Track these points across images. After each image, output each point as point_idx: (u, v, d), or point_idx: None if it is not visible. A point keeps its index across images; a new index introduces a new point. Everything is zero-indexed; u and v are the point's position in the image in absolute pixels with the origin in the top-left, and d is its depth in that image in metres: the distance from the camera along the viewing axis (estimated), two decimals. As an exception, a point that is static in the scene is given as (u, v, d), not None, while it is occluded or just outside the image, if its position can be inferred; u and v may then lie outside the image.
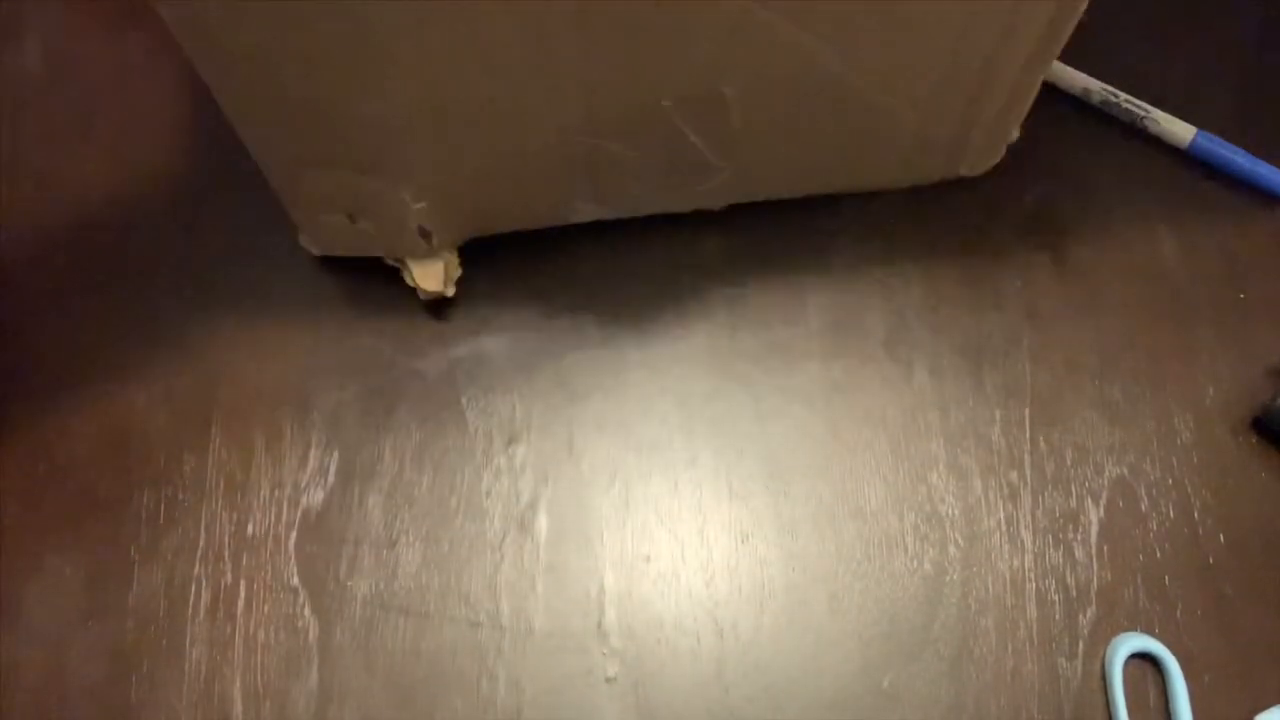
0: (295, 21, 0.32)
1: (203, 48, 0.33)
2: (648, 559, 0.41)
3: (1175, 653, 0.39)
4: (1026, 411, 0.43)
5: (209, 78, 0.35)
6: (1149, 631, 0.39)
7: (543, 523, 0.41)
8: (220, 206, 0.47)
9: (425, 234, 0.41)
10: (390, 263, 0.44)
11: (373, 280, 0.44)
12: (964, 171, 0.45)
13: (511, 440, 0.43)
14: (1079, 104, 0.48)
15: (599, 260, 0.45)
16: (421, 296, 0.43)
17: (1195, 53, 0.49)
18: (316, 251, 0.44)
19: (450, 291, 0.43)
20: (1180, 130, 0.46)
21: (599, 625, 0.40)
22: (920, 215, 0.46)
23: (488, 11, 0.32)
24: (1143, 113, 0.47)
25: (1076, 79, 0.48)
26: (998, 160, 0.45)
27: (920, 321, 0.44)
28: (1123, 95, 0.47)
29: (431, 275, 0.42)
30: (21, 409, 0.43)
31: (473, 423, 0.43)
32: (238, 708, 0.39)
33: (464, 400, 0.43)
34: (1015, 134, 0.44)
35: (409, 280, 0.43)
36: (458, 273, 0.43)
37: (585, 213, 0.44)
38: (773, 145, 0.41)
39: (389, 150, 0.38)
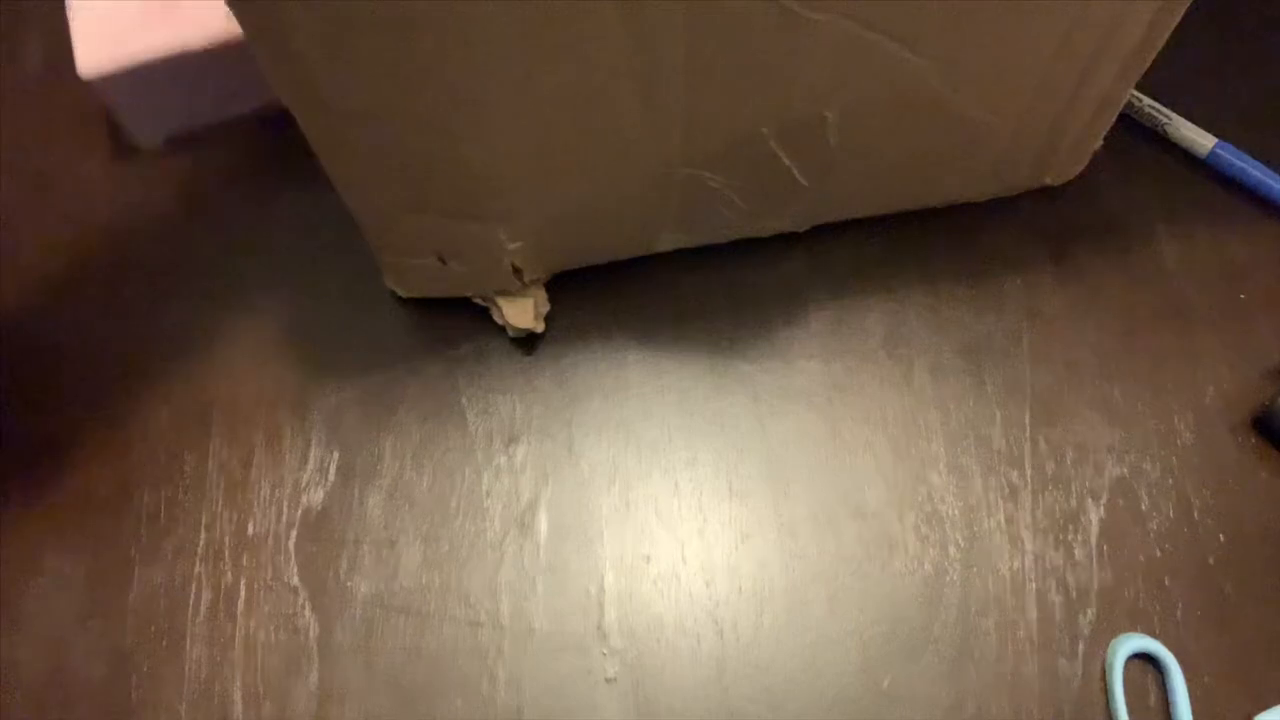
0: (407, 83, 0.32)
1: (309, 108, 0.33)
2: (648, 559, 0.41)
3: (1175, 653, 0.39)
4: (1026, 411, 0.43)
5: (310, 134, 0.34)
6: (1149, 631, 0.39)
7: (543, 523, 0.41)
8: (219, 205, 0.47)
9: (517, 272, 0.41)
10: (478, 302, 0.43)
11: (373, 280, 0.44)
12: (1049, 181, 0.45)
13: (511, 440, 0.43)
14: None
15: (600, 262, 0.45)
16: (511, 334, 0.43)
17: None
18: (403, 293, 0.43)
19: (540, 327, 0.43)
20: (1200, 139, 0.46)
21: (599, 625, 0.40)
22: (920, 215, 0.46)
23: (596, 55, 0.32)
24: (1165, 119, 0.46)
25: None
26: (1082, 169, 0.45)
27: (920, 321, 0.44)
28: (1145, 100, 0.47)
29: (522, 312, 0.42)
30: (22, 408, 0.43)
31: (473, 423, 0.43)
32: (238, 708, 0.39)
33: (464, 400, 0.43)
34: (1099, 143, 0.44)
35: (498, 318, 0.43)
36: (546, 308, 0.43)
37: (670, 241, 0.44)
38: (864, 164, 0.41)
39: (489, 193, 0.37)
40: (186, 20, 0.38)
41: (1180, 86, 0.47)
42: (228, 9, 0.29)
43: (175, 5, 0.38)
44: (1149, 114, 0.47)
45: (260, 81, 0.36)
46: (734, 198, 0.40)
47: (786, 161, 0.39)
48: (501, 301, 0.42)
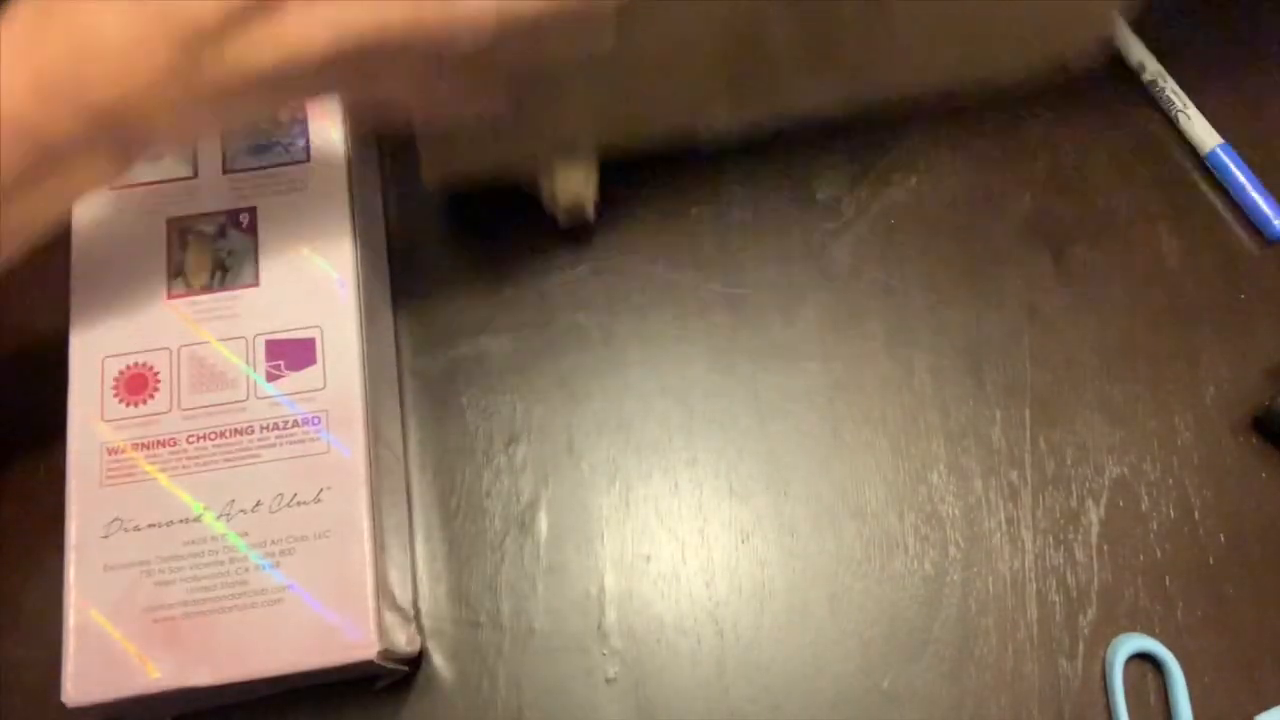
0: None
1: None
2: (648, 559, 0.41)
3: (1175, 653, 0.39)
4: (1026, 411, 0.43)
5: None
6: (1149, 631, 0.39)
7: (543, 523, 0.41)
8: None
9: (567, 141, 0.40)
10: (526, 188, 0.42)
11: (373, 280, 0.44)
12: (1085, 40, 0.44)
13: (511, 440, 0.43)
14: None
15: (598, 261, 0.45)
16: (561, 221, 0.41)
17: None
18: (439, 184, 0.41)
19: (591, 205, 0.41)
20: (1205, 136, 0.46)
21: (599, 626, 0.40)
22: (920, 214, 0.46)
23: None
24: (1181, 107, 0.46)
25: (1137, 50, 0.48)
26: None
27: (920, 321, 0.44)
28: (1170, 83, 0.46)
29: (574, 181, 0.41)
30: (21, 408, 0.43)
31: (473, 423, 0.43)
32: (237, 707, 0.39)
33: (464, 400, 0.43)
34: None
35: (546, 198, 0.41)
36: (595, 192, 0.42)
37: (721, 123, 0.42)
38: (918, 29, 0.40)
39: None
40: (192, 655, 0.34)
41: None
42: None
43: (178, 634, 0.34)
44: (1169, 98, 0.46)
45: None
46: (786, 63, 0.40)
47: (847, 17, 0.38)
48: (553, 173, 0.41)
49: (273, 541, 0.35)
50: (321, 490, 0.36)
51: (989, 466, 0.42)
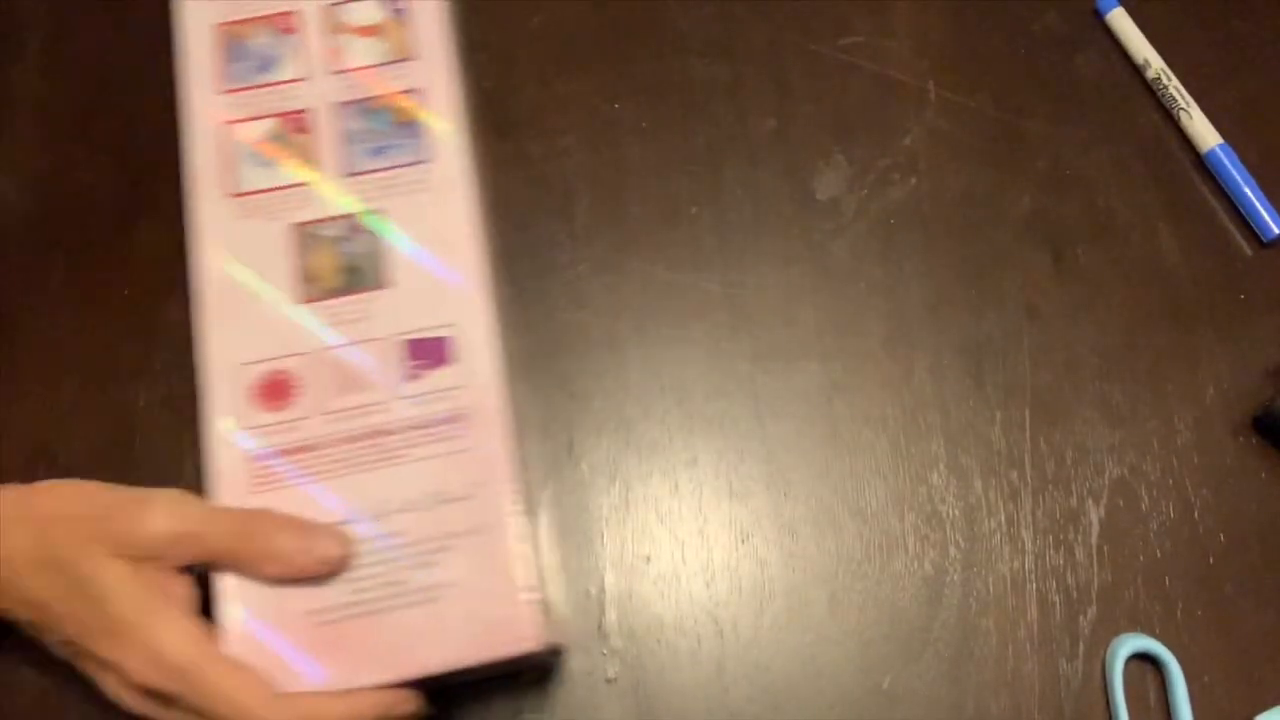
0: None
1: None
2: (648, 559, 0.41)
3: (1175, 653, 0.39)
4: (1026, 411, 0.43)
5: None
6: (1149, 631, 0.39)
7: (543, 523, 0.41)
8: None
9: None
10: None
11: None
12: None
13: (511, 440, 0.43)
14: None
15: (598, 261, 0.45)
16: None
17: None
18: None
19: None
20: (1206, 135, 0.46)
21: (599, 626, 0.40)
22: (920, 214, 0.46)
23: None
24: (1184, 106, 0.46)
25: (1142, 48, 0.48)
26: None
27: (920, 321, 0.44)
28: (1174, 81, 0.47)
29: None
30: (22, 409, 0.43)
31: (473, 423, 0.43)
32: (238, 708, 0.39)
33: (464, 400, 0.43)
34: None
35: None
36: None
37: None
38: None
39: None
40: (358, 656, 0.34)
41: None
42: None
43: (342, 636, 0.34)
44: (1171, 96, 0.46)
45: None
46: None
47: None
48: None
49: (427, 539, 0.35)
50: (471, 487, 0.36)
51: (989, 466, 0.42)
